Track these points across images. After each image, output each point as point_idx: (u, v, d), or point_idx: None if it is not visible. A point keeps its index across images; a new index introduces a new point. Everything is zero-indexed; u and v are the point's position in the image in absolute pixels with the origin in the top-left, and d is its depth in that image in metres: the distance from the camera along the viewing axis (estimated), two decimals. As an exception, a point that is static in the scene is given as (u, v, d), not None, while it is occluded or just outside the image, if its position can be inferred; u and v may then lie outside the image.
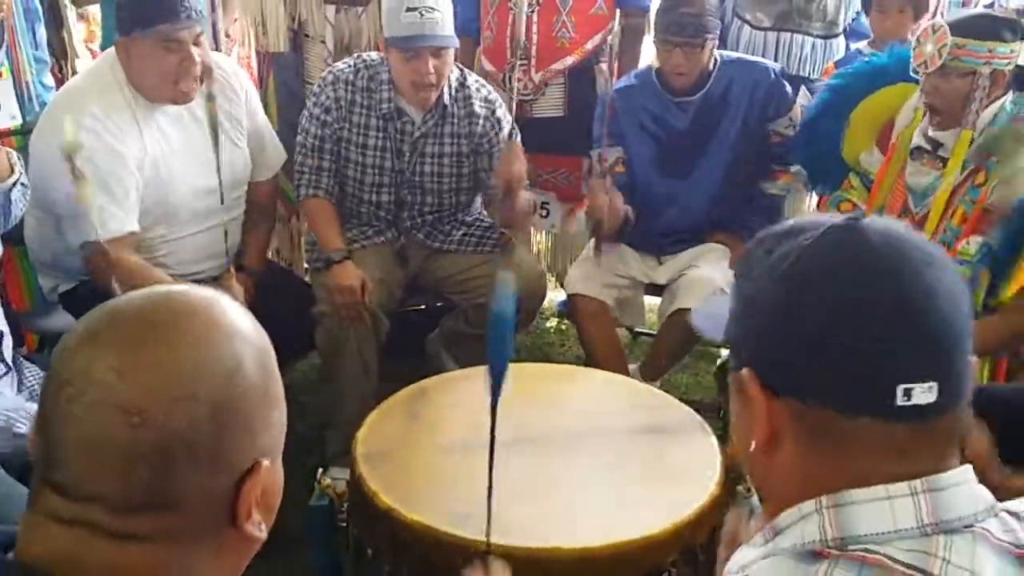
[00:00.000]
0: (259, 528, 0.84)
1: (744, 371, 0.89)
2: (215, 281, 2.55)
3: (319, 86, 2.83)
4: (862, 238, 0.85)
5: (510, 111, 2.85)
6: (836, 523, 0.83)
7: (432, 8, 2.61)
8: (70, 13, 3.11)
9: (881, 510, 0.83)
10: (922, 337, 0.82)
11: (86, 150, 2.29)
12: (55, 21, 2.97)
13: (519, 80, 3.16)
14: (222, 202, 2.54)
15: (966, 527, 0.83)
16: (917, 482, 0.83)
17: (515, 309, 1.34)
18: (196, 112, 2.53)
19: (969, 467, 0.86)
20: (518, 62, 3.13)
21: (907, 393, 0.81)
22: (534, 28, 3.17)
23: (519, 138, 2.83)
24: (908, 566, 0.80)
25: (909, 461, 0.83)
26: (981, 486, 0.86)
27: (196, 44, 2.36)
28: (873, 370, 0.82)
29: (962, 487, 0.84)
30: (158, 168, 2.44)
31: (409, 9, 2.59)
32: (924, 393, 0.82)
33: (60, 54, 2.98)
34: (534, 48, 3.18)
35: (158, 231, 2.50)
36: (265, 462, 0.83)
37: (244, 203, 2.73)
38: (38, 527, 0.79)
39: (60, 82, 3.21)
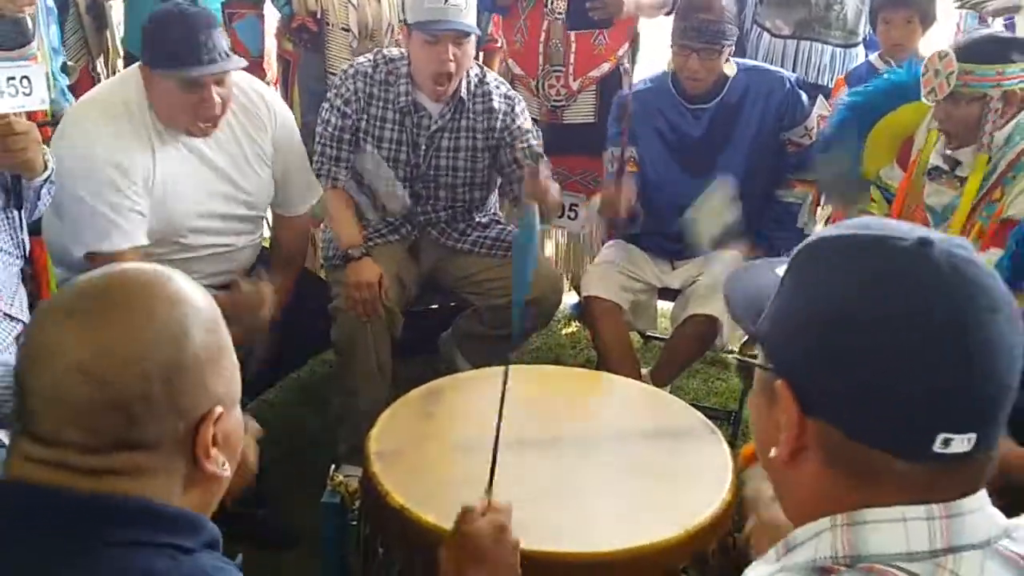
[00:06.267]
0: (221, 466, 0.97)
1: (778, 383, 0.86)
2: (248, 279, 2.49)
3: (340, 79, 2.86)
4: (933, 271, 0.81)
5: (542, 117, 2.84)
6: (849, 541, 0.83)
7: None
8: (114, 13, 3.15)
9: (895, 531, 0.82)
10: (973, 392, 0.80)
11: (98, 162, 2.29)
12: (97, 21, 3.02)
13: (551, 87, 3.18)
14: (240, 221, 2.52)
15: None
16: (936, 507, 0.82)
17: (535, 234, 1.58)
18: (215, 136, 2.49)
19: (984, 491, 0.85)
20: (552, 68, 3.14)
21: (946, 443, 0.80)
22: (572, 36, 3.20)
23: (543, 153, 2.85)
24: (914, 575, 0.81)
25: (932, 494, 0.83)
26: (995, 509, 0.86)
27: (219, 84, 2.35)
28: (916, 416, 0.81)
29: (978, 513, 0.84)
30: (166, 188, 2.42)
31: None
32: (962, 444, 0.81)
33: (98, 53, 3.01)
34: (572, 55, 3.21)
35: (164, 251, 2.46)
36: (218, 409, 0.95)
37: (259, 228, 2.72)
38: (16, 467, 0.92)
39: (93, 82, 3.23)
